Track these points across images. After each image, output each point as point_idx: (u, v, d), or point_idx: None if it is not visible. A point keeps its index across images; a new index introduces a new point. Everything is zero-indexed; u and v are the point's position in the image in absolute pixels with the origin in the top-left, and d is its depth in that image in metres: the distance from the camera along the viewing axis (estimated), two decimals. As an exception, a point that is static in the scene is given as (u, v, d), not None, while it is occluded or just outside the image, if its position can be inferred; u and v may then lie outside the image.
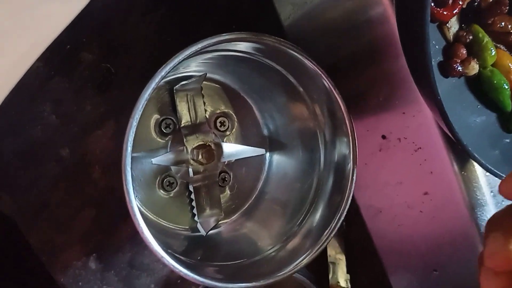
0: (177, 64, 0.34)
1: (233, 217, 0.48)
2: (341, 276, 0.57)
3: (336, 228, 0.40)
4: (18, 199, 0.43)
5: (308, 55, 0.38)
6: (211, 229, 0.46)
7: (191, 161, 0.44)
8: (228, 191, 0.49)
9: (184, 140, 0.44)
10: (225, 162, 0.47)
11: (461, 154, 0.44)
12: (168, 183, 0.46)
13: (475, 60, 0.38)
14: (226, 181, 0.48)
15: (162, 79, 0.34)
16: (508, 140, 0.41)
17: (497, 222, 0.29)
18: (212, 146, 0.44)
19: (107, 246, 0.47)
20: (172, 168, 0.46)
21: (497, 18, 0.39)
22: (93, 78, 0.44)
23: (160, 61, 0.34)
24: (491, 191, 0.46)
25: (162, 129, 0.45)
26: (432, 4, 0.36)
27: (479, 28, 0.38)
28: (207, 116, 0.46)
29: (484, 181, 0.45)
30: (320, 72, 0.38)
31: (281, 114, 0.48)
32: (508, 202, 0.30)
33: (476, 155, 0.37)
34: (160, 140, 0.45)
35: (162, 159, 0.43)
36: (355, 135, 0.41)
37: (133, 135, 0.33)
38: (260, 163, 0.49)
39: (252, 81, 0.46)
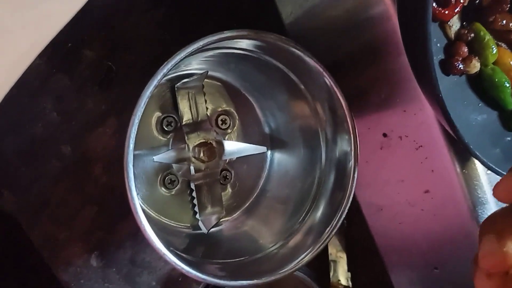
0: (179, 62, 0.34)
1: (234, 215, 0.48)
2: (342, 274, 0.57)
3: (338, 226, 0.40)
4: (19, 196, 0.43)
5: (309, 53, 0.38)
6: (212, 227, 0.46)
7: (193, 159, 0.44)
8: (229, 189, 0.49)
9: (186, 138, 0.44)
10: (226, 160, 0.47)
11: (462, 152, 0.45)
12: (169, 181, 0.46)
13: (477, 58, 0.38)
14: (228, 179, 0.48)
15: (164, 77, 0.34)
16: (509, 138, 0.41)
17: (491, 224, 0.30)
18: (214, 144, 0.44)
19: (108, 244, 0.47)
20: (174, 166, 0.46)
21: (498, 16, 0.39)
22: (94, 76, 0.44)
23: (161, 59, 0.34)
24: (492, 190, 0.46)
25: (164, 127, 0.45)
26: (434, 5, 0.36)
27: (481, 26, 0.38)
28: (209, 114, 0.46)
29: (485, 179, 0.46)
30: (322, 70, 0.38)
31: (282, 112, 0.48)
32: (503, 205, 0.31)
33: (477, 153, 0.37)
34: (161, 138, 0.45)
35: (163, 156, 0.43)
36: (356, 132, 0.41)
37: (135, 132, 0.33)
38: (261, 161, 0.49)
39: (253, 79, 0.46)
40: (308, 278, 0.52)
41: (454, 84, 0.38)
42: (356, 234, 0.57)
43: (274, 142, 0.49)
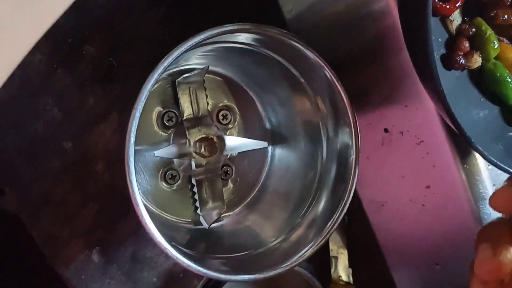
0: (180, 55, 0.34)
1: (236, 210, 0.48)
2: (343, 270, 0.57)
3: (340, 219, 0.40)
4: (21, 194, 0.43)
5: (310, 46, 0.38)
6: (213, 222, 0.46)
7: (194, 154, 0.44)
8: (230, 184, 0.49)
9: (187, 133, 0.44)
10: (227, 155, 0.47)
11: (463, 147, 0.45)
12: (170, 176, 0.46)
13: (478, 53, 0.38)
14: (229, 174, 0.48)
15: (165, 70, 0.34)
16: (511, 133, 0.41)
17: (486, 233, 0.31)
18: (215, 139, 0.44)
19: (110, 240, 0.47)
20: (175, 161, 0.46)
21: (499, 10, 0.38)
22: (96, 72, 0.44)
23: (162, 56, 0.34)
24: (494, 185, 0.46)
25: (165, 122, 0.45)
26: (436, -1, 0.36)
27: (482, 20, 0.38)
28: (209, 109, 0.46)
29: (487, 175, 0.46)
30: (322, 63, 0.38)
31: (283, 107, 0.48)
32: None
33: (480, 148, 0.37)
34: (162, 133, 0.45)
35: (164, 151, 0.43)
36: (357, 125, 0.41)
37: (136, 126, 0.33)
38: (262, 156, 0.49)
39: (254, 74, 0.46)
40: (309, 274, 0.52)
41: (455, 80, 0.38)
42: (357, 231, 0.57)
43: (275, 137, 0.49)
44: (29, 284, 0.56)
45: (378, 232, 0.53)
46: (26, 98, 0.43)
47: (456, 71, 0.38)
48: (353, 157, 0.41)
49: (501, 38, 0.39)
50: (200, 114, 0.45)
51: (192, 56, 0.43)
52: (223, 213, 0.47)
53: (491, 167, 0.45)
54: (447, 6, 0.36)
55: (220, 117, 0.47)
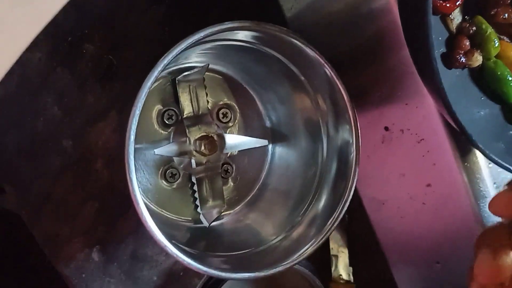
0: (180, 53, 0.34)
1: (236, 209, 0.48)
2: (344, 269, 0.57)
3: (340, 217, 0.40)
4: (21, 192, 0.43)
5: (310, 44, 0.38)
6: (213, 221, 0.46)
7: (194, 152, 0.44)
8: (231, 183, 0.49)
9: (187, 131, 0.44)
10: (227, 153, 0.47)
11: (464, 145, 0.44)
12: (170, 174, 0.46)
13: (479, 51, 0.38)
14: (229, 172, 0.48)
15: (165, 68, 0.34)
16: (512, 132, 0.41)
17: (486, 237, 0.32)
18: (215, 137, 0.44)
19: (110, 239, 0.47)
20: (175, 159, 0.46)
21: (500, 9, 0.38)
22: (96, 71, 0.44)
23: (162, 55, 0.34)
24: (494, 183, 0.46)
25: (165, 120, 0.45)
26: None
27: (482, 19, 0.38)
28: (210, 108, 0.46)
29: (487, 173, 0.45)
30: (322, 61, 0.38)
31: (283, 104, 0.48)
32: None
33: (482, 147, 0.36)
34: (162, 131, 0.45)
35: (164, 149, 0.43)
36: (358, 122, 0.41)
37: (136, 124, 0.33)
38: (262, 154, 0.49)
39: (254, 72, 0.46)
40: (310, 273, 0.52)
41: (456, 78, 0.38)
42: (358, 229, 0.57)
43: (275, 135, 0.49)
44: (29, 283, 0.56)
45: (379, 231, 0.53)
46: (26, 96, 0.43)
47: (457, 70, 0.38)
48: (353, 154, 0.41)
49: (502, 37, 0.39)
50: (200, 112, 0.45)
51: (192, 54, 0.43)
52: (223, 212, 0.47)
53: (491, 165, 0.45)
54: (447, 5, 0.36)
55: (220, 115, 0.47)
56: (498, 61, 0.38)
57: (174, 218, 0.46)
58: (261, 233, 0.45)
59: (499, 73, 0.38)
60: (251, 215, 0.48)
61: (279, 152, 0.49)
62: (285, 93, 0.46)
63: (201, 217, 0.46)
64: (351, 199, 0.41)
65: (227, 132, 0.47)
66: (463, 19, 0.38)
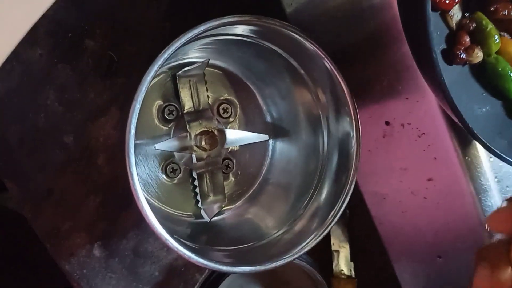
0: (180, 47, 0.34)
1: (237, 203, 0.48)
2: (345, 264, 0.57)
3: (342, 209, 0.40)
4: (23, 187, 0.44)
5: (309, 38, 0.38)
6: (214, 216, 0.46)
7: (195, 148, 0.44)
8: (232, 178, 0.49)
9: (187, 126, 0.44)
10: (228, 148, 0.47)
11: (464, 139, 0.44)
12: (171, 170, 0.46)
13: (479, 47, 0.38)
14: (230, 168, 0.48)
15: (165, 62, 0.34)
16: (515, 128, 0.41)
17: (485, 253, 0.33)
18: (215, 132, 0.44)
19: (111, 234, 0.47)
20: (176, 154, 0.46)
21: (499, 5, 0.38)
22: (97, 66, 0.44)
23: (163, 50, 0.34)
24: (495, 177, 0.46)
25: (165, 115, 0.45)
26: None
27: (482, 15, 0.37)
28: (210, 103, 0.46)
29: (488, 167, 0.45)
30: (322, 54, 0.38)
31: (284, 99, 0.48)
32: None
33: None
34: (163, 127, 0.45)
35: (165, 145, 0.43)
36: (358, 114, 0.41)
37: (136, 118, 0.33)
38: (263, 149, 0.49)
39: (254, 66, 0.46)
40: (311, 268, 0.52)
41: (457, 75, 0.38)
42: (359, 225, 0.57)
43: (276, 130, 0.49)
44: (29, 282, 0.56)
45: (380, 225, 0.53)
46: (27, 93, 0.43)
47: (458, 66, 0.38)
48: (354, 145, 0.41)
49: (502, 34, 0.39)
50: (201, 107, 0.45)
51: (192, 49, 0.43)
52: (224, 207, 0.47)
53: (492, 159, 0.45)
54: (447, 1, 0.36)
55: (221, 111, 0.47)
56: (499, 57, 0.38)
57: (175, 213, 0.46)
58: (262, 227, 0.45)
59: (500, 69, 0.38)
60: (253, 210, 0.48)
61: (280, 147, 0.50)
62: (285, 87, 0.46)
63: (202, 212, 0.46)
64: (352, 194, 0.41)
65: (228, 127, 0.47)
66: (463, 16, 0.38)
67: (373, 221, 0.53)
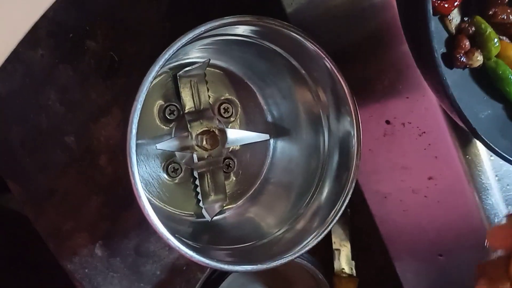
0: (181, 47, 0.34)
1: (238, 203, 0.49)
2: (346, 263, 0.57)
3: (343, 207, 0.40)
4: (25, 187, 0.44)
5: (310, 38, 0.38)
6: (216, 215, 0.46)
7: (196, 147, 0.44)
8: (233, 177, 0.49)
9: (188, 126, 0.44)
10: (229, 148, 0.47)
11: (465, 138, 0.45)
12: (173, 169, 0.46)
13: (479, 51, 0.38)
14: (231, 167, 0.48)
15: (166, 62, 0.34)
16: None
17: (485, 269, 0.34)
18: (216, 132, 0.44)
19: (113, 233, 0.47)
20: (177, 154, 0.46)
21: (498, 9, 0.38)
22: (98, 66, 0.44)
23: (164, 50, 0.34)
24: (496, 175, 0.46)
25: (166, 115, 0.45)
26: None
27: (481, 19, 0.37)
28: (211, 103, 0.46)
29: (489, 165, 0.45)
30: (322, 54, 0.38)
31: (285, 98, 0.48)
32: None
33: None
34: (164, 127, 0.45)
35: (166, 144, 0.43)
36: (358, 113, 0.41)
37: (138, 117, 0.33)
38: (264, 148, 0.49)
39: (255, 66, 0.46)
40: (312, 267, 0.52)
41: (457, 78, 0.38)
42: (360, 223, 0.57)
43: (277, 129, 0.50)
44: (30, 281, 0.56)
45: (381, 224, 0.53)
46: (29, 93, 0.43)
47: (458, 70, 0.38)
48: (355, 145, 0.41)
49: (501, 37, 0.39)
50: (202, 107, 0.45)
51: (193, 50, 0.43)
52: (225, 206, 0.47)
53: (493, 157, 0.45)
54: (446, 5, 0.36)
55: (222, 110, 0.47)
56: (499, 61, 0.38)
57: (177, 212, 0.46)
58: (263, 226, 0.45)
59: (500, 72, 0.38)
60: (254, 209, 0.48)
61: (280, 146, 0.50)
62: (286, 87, 0.46)
63: (204, 211, 0.46)
64: (353, 193, 0.41)
65: (229, 126, 0.47)
66: (462, 20, 0.38)
67: (374, 219, 0.53)
